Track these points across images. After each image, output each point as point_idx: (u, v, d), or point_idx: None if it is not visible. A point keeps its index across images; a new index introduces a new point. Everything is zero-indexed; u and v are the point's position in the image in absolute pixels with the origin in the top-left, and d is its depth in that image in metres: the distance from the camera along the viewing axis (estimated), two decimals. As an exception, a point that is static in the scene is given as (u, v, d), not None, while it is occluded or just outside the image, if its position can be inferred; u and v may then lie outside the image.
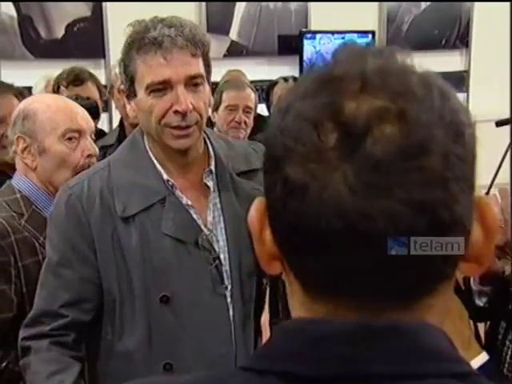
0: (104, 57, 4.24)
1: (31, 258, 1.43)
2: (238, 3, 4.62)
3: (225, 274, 1.28)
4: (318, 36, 4.67)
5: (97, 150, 1.55)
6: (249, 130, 2.51)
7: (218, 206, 1.30)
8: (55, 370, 1.20)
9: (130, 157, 1.28)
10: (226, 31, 4.63)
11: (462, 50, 5.20)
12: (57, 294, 1.24)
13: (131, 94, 1.23)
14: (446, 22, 5.11)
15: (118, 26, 4.35)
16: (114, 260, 1.23)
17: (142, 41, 1.17)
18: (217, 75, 4.89)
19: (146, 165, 1.26)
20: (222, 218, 1.30)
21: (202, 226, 1.28)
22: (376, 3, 4.88)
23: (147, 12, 4.14)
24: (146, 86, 1.19)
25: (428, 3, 5.02)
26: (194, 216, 1.27)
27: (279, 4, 4.69)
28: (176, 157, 1.26)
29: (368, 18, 4.78)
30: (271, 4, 4.67)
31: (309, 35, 4.66)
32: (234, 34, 4.66)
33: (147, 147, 1.28)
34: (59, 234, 1.26)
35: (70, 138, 1.48)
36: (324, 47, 4.70)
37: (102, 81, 3.00)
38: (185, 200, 1.27)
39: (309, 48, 4.66)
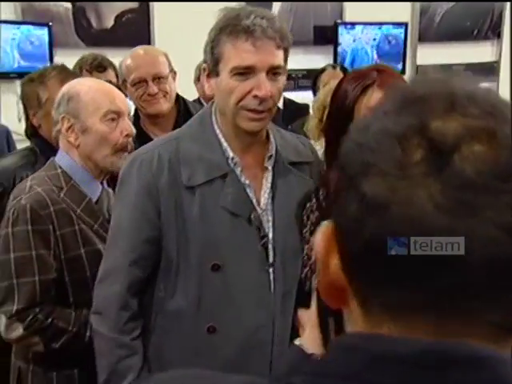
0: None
1: (69, 228, 1.53)
2: (275, -5, 4.82)
3: (271, 252, 1.35)
4: (359, 27, 4.80)
5: (134, 130, 1.63)
6: None
7: (271, 188, 1.38)
8: (125, 354, 1.33)
9: (199, 132, 1.36)
10: (264, 22, 4.88)
11: (493, 40, 5.23)
12: (125, 254, 1.33)
13: (213, 73, 1.30)
14: (478, 14, 5.15)
15: (163, 17, 4.62)
16: (176, 225, 1.31)
17: (235, 26, 1.24)
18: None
19: (213, 141, 1.34)
20: (272, 200, 1.37)
21: (256, 205, 1.35)
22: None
23: (190, 5, 4.49)
24: (230, 69, 1.26)
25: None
26: (250, 194, 1.35)
27: (315, -4, 4.87)
28: (244, 137, 1.34)
29: (401, 9, 4.88)
30: (308, -4, 4.86)
31: (348, 26, 4.80)
32: (271, 25, 4.89)
33: (215, 125, 1.35)
34: (130, 197, 1.34)
35: (110, 119, 1.57)
36: (364, 37, 4.84)
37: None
38: (243, 178, 1.34)
39: (346, 37, 4.80)
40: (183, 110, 2.29)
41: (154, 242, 1.33)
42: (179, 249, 1.32)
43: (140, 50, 2.35)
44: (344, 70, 3.55)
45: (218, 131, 1.35)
